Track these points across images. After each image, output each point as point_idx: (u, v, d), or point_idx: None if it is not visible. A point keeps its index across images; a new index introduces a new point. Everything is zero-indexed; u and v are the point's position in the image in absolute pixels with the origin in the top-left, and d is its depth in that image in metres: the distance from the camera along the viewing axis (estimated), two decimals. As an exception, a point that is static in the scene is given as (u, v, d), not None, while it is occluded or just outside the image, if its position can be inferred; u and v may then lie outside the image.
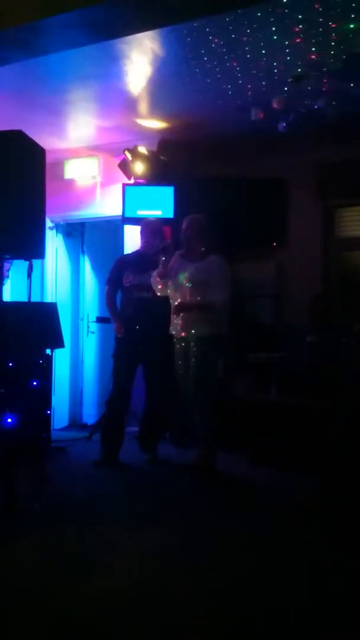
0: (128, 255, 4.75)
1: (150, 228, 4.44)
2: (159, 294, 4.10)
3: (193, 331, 3.89)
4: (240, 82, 4.10)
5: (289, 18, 3.28)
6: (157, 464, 4.31)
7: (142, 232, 4.47)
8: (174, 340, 4.04)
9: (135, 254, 4.57)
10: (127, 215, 5.09)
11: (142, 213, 5.12)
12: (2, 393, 3.41)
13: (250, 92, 4.24)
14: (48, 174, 3.60)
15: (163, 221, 5.21)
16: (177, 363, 4.05)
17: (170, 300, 4.03)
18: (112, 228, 5.83)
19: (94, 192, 5.68)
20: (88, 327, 6.04)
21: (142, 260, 4.35)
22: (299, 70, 3.89)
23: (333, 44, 3.56)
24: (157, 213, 5.14)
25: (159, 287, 4.07)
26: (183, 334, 3.94)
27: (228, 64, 3.83)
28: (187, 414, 4.08)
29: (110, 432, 4.41)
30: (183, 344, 3.96)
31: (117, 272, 4.45)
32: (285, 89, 4.03)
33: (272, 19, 3.28)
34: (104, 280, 4.60)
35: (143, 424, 4.51)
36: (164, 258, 4.02)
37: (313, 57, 3.72)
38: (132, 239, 5.42)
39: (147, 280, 4.21)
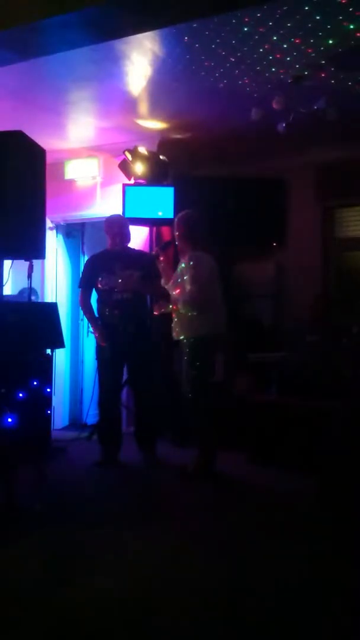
0: (99, 255, 4.58)
1: (115, 224, 4.36)
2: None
3: (185, 333, 3.87)
4: (240, 82, 4.10)
5: (288, 18, 3.28)
6: (155, 462, 4.29)
7: (108, 230, 4.36)
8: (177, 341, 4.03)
9: (107, 253, 4.44)
10: (127, 215, 5.09)
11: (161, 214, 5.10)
12: (2, 393, 3.41)
13: (250, 92, 4.23)
14: (48, 174, 3.61)
15: (160, 221, 5.23)
16: (178, 363, 4.06)
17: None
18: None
19: (94, 193, 5.68)
20: (88, 327, 6.04)
21: (115, 259, 4.27)
22: (299, 70, 3.89)
23: (333, 44, 3.56)
24: (158, 213, 5.14)
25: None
26: (179, 335, 3.92)
27: (228, 64, 3.83)
28: (186, 414, 4.07)
29: (107, 433, 4.41)
30: (182, 345, 3.95)
31: (90, 274, 4.34)
32: (285, 89, 4.03)
33: (271, 19, 3.28)
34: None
35: (137, 424, 4.49)
36: (162, 265, 4.02)
37: (313, 57, 3.72)
38: (133, 239, 5.42)
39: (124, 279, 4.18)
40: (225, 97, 4.34)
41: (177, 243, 4.02)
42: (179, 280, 3.86)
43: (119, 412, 4.57)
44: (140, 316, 4.27)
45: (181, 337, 3.87)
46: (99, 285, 4.27)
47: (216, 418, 3.95)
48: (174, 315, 3.93)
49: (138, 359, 4.28)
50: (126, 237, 4.40)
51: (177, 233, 3.99)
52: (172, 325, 3.95)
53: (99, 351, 4.37)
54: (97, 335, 4.32)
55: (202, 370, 3.86)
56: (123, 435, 4.48)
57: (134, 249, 4.63)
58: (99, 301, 4.37)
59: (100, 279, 4.25)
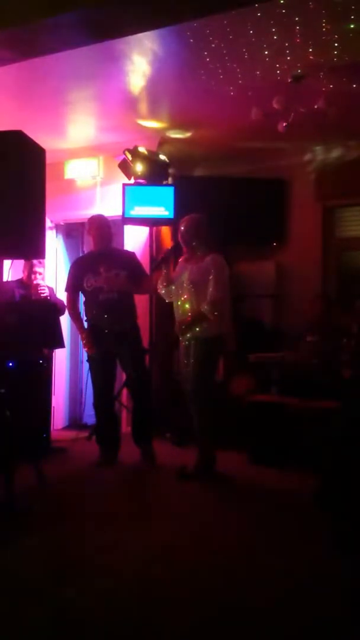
0: (84, 256, 4.61)
1: (98, 225, 4.35)
2: (167, 301, 4.10)
3: (198, 332, 3.87)
4: (240, 82, 4.09)
5: (288, 18, 3.28)
6: (153, 459, 4.26)
7: (90, 231, 4.35)
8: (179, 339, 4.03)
9: (92, 254, 4.43)
10: (127, 215, 5.09)
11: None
12: (2, 393, 3.41)
13: (250, 92, 4.23)
14: (48, 174, 3.60)
15: (160, 221, 5.23)
16: (179, 362, 4.06)
17: (174, 305, 4.02)
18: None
19: (94, 192, 5.68)
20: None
21: (100, 259, 4.25)
22: (299, 70, 3.89)
23: (333, 44, 3.56)
24: (158, 213, 5.14)
25: (163, 293, 4.09)
26: (186, 333, 3.93)
27: (228, 64, 3.83)
28: (187, 414, 4.07)
29: (105, 434, 4.41)
30: (185, 344, 3.95)
31: (76, 276, 4.32)
32: (285, 89, 4.03)
33: (272, 19, 3.28)
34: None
35: (132, 422, 4.45)
36: (165, 271, 4.03)
37: (313, 57, 3.72)
38: (133, 239, 5.43)
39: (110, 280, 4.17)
40: (225, 97, 4.34)
41: (184, 246, 4.01)
42: (193, 281, 3.86)
43: (115, 412, 4.55)
44: (127, 316, 4.26)
45: (189, 335, 3.87)
46: (85, 287, 4.25)
47: (216, 418, 3.96)
48: (180, 311, 3.93)
49: (128, 359, 4.25)
50: (109, 237, 4.38)
51: (185, 236, 3.98)
52: (180, 323, 3.94)
53: (90, 354, 4.34)
54: (84, 342, 4.29)
55: (209, 369, 3.87)
56: (122, 436, 4.48)
57: (118, 249, 4.63)
58: (85, 303, 4.35)
59: (85, 280, 4.23)
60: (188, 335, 3.87)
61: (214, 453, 3.91)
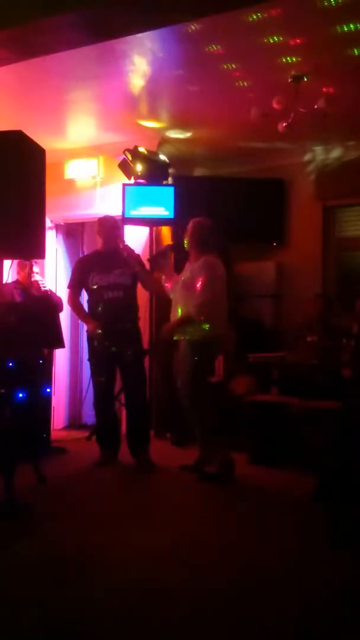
0: (89, 255, 4.66)
1: (110, 225, 4.36)
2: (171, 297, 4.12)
3: (190, 334, 3.86)
4: (240, 82, 4.10)
5: (289, 18, 3.28)
6: (147, 467, 4.18)
7: (100, 231, 4.37)
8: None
9: (97, 253, 4.46)
10: (127, 215, 5.09)
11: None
12: (2, 393, 3.41)
13: (250, 92, 4.24)
14: (48, 174, 3.61)
15: (160, 221, 5.23)
16: (177, 365, 4.06)
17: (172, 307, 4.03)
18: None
19: (94, 192, 5.68)
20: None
21: (105, 259, 4.27)
22: (299, 70, 3.89)
23: (333, 44, 3.56)
24: (158, 213, 5.14)
25: (167, 291, 4.14)
26: (182, 335, 3.92)
27: (228, 64, 3.83)
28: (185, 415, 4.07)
29: (105, 435, 4.40)
30: (185, 345, 3.94)
31: (80, 275, 4.33)
32: (285, 89, 4.03)
33: (272, 19, 3.28)
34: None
35: (128, 428, 4.38)
36: (160, 260, 4.05)
37: (313, 57, 3.72)
38: (133, 239, 5.42)
39: (115, 279, 4.19)
40: (225, 97, 4.34)
41: (187, 249, 4.02)
42: (185, 283, 3.87)
43: (115, 412, 4.54)
44: (129, 315, 4.27)
45: (186, 337, 3.86)
46: (90, 285, 4.26)
47: (210, 419, 3.93)
48: (175, 314, 3.94)
49: (128, 359, 4.24)
50: (119, 238, 4.40)
51: (189, 239, 3.98)
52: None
53: (90, 350, 4.34)
54: (90, 327, 4.23)
55: (200, 372, 3.86)
56: (122, 435, 4.47)
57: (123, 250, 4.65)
58: (89, 301, 4.35)
59: (90, 278, 4.24)
60: (176, 337, 3.87)
61: (230, 455, 3.86)
